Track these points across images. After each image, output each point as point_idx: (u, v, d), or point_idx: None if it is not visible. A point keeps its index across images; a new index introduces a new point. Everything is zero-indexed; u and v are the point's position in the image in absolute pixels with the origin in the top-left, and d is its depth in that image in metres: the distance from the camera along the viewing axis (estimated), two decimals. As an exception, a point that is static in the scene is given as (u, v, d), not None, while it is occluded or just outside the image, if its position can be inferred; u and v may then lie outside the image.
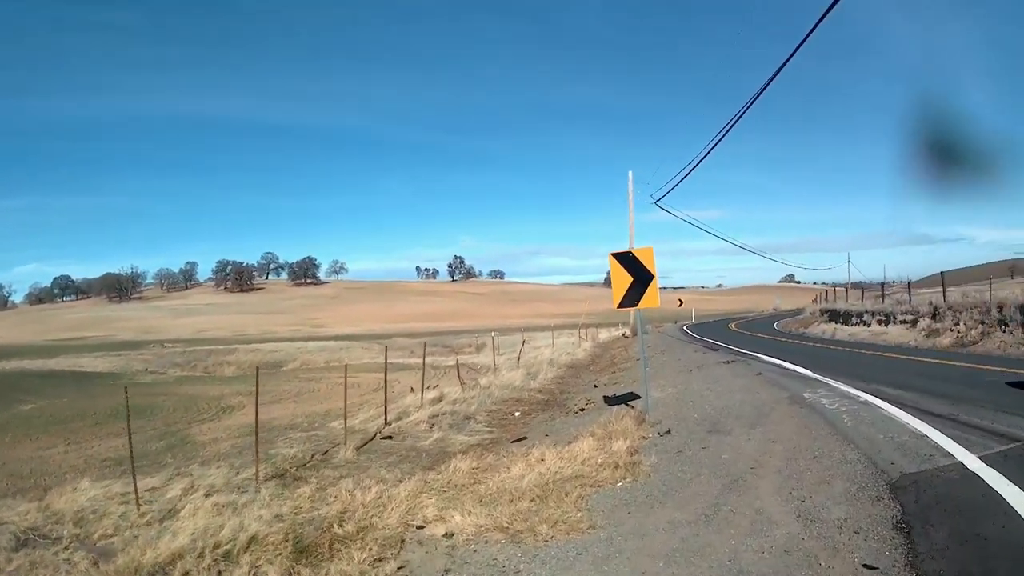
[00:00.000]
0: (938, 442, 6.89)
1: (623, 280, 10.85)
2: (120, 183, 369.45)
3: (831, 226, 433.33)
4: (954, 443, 6.78)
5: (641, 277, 10.76)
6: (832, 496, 5.72)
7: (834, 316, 39.57)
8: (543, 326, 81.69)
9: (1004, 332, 20.91)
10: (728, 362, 17.69)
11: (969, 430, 7.43)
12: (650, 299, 10.80)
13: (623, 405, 13.63)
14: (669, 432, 9.56)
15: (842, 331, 33.88)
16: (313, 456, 13.99)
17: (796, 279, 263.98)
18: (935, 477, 5.83)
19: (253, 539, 6.83)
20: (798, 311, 76.19)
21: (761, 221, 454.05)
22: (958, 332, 23.32)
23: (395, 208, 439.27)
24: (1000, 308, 22.01)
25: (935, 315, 26.21)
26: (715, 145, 20.83)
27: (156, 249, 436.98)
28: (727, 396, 11.70)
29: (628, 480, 7.47)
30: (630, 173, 41.92)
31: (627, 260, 10.86)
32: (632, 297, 10.83)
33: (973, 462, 6.07)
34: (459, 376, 21.94)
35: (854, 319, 35.11)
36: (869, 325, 32.30)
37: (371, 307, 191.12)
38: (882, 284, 41.57)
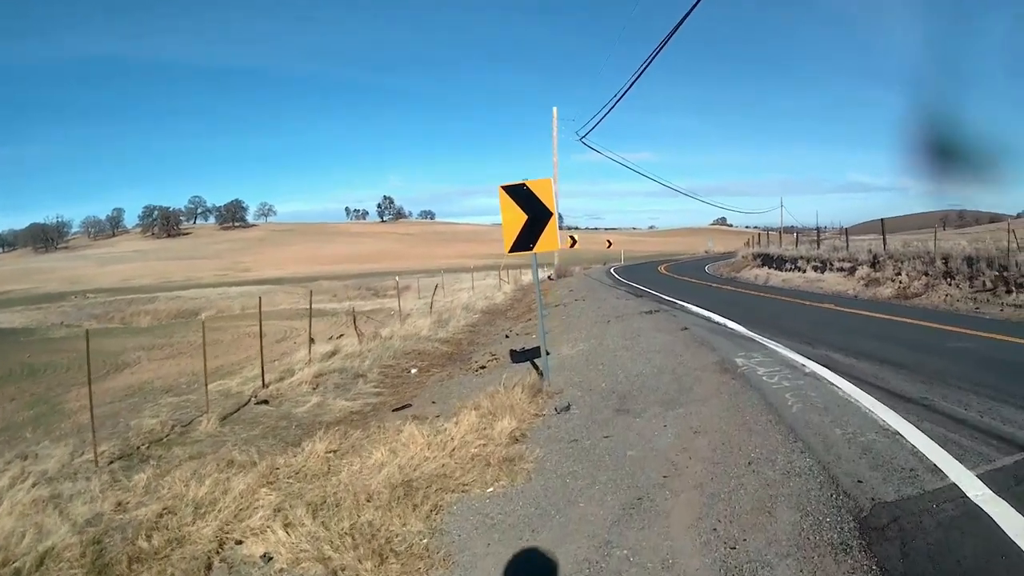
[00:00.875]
0: (917, 446, 5.00)
1: (516, 218, 8.72)
2: (41, 130, 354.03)
3: (764, 171, 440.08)
4: (939, 448, 4.92)
5: (537, 214, 8.69)
6: (775, 540, 3.78)
7: (767, 261, 38.27)
8: (471, 267, 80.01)
9: (950, 285, 19.61)
10: (651, 312, 15.82)
11: (953, 425, 5.56)
12: (548, 241, 8.75)
13: (528, 363, 11.95)
14: (568, 408, 7.62)
15: (775, 277, 32.40)
16: (172, 428, 12.16)
17: (728, 222, 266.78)
18: (925, 512, 3.89)
19: (49, 552, 5.70)
20: (730, 254, 75.16)
21: (694, 164, 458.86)
22: (900, 283, 21.97)
23: (324, 149, 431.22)
24: (946, 260, 20.60)
25: (875, 264, 24.87)
26: (636, 79, 21.51)
27: (82, 197, 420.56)
28: (645, 358, 9.73)
29: (502, 484, 5.53)
30: (554, 109, 40.43)
31: (521, 194, 8.71)
32: (526, 238, 8.73)
33: (973, 485, 4.19)
34: (356, 327, 19.75)
35: (788, 265, 33.69)
36: (804, 271, 30.80)
37: (299, 249, 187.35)
38: (817, 229, 40.46)
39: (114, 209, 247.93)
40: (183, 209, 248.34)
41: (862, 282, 24.07)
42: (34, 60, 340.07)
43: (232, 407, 13.44)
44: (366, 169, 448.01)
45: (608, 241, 70.73)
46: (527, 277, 47.70)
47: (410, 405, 11.26)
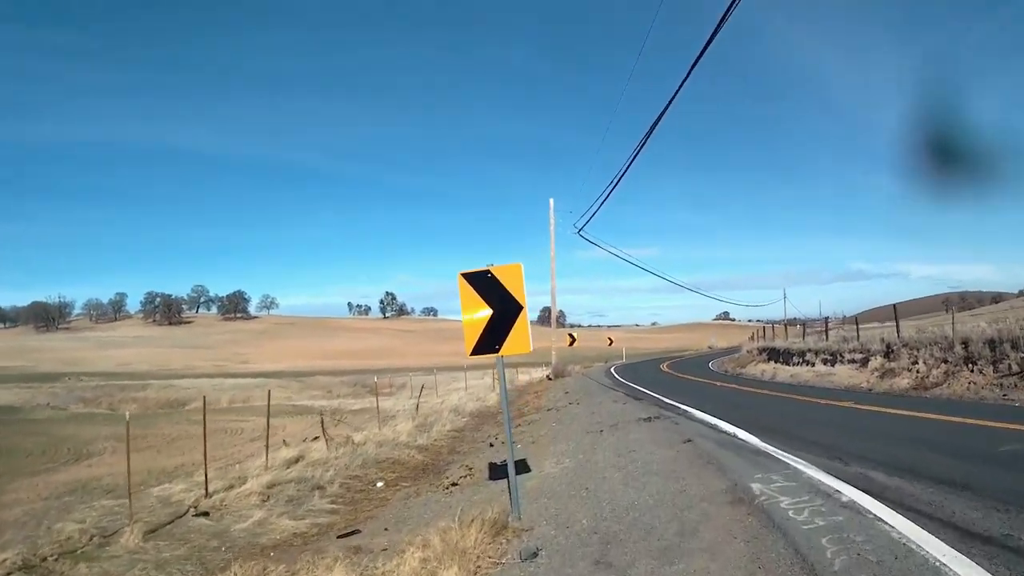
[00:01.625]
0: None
1: (478, 313, 7.13)
2: (49, 210, 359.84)
3: (766, 263, 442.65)
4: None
5: (505, 308, 7.08)
6: None
7: (773, 355, 36.52)
8: (472, 365, 78.75)
9: (972, 371, 18.01)
10: (650, 419, 14.01)
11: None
12: (518, 341, 7.10)
13: (506, 479, 10.16)
14: (535, 555, 5.82)
15: (783, 372, 30.87)
16: (91, 538, 10.76)
17: (731, 316, 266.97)
18: None
19: None
20: (734, 349, 73.92)
21: (697, 259, 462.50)
22: (917, 372, 20.37)
23: (329, 244, 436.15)
24: (965, 344, 19.04)
25: (888, 353, 23.22)
26: (625, 170, 20.98)
27: (86, 278, 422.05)
28: (639, 483, 7.91)
29: None
30: (551, 201, 39.41)
31: (484, 283, 7.13)
32: (491, 337, 7.08)
33: None
34: (324, 431, 17.96)
35: (795, 358, 32.05)
36: (813, 365, 29.18)
37: (299, 343, 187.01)
38: (825, 320, 38.60)
39: (117, 293, 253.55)
40: (185, 297, 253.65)
41: (876, 374, 22.57)
42: (51, 141, 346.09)
43: (167, 517, 11.87)
44: (370, 265, 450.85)
45: (609, 339, 69.16)
46: (525, 376, 46.16)
47: (359, 531, 9.53)
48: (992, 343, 18.16)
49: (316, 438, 21.98)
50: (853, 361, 25.47)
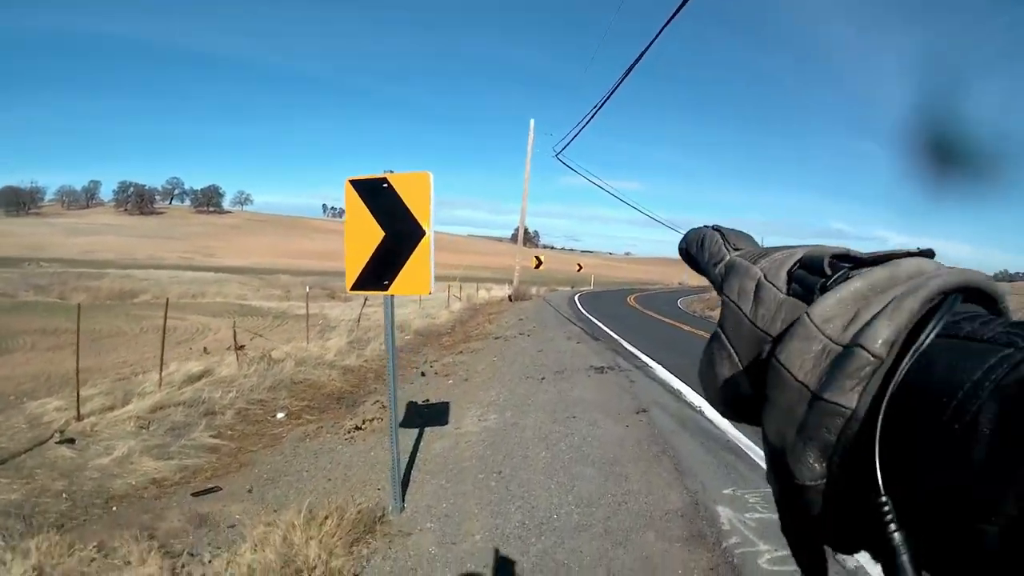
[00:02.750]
0: None
1: (366, 234, 5.04)
2: (25, 95, 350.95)
3: (746, 210, 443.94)
4: None
5: (402, 231, 4.93)
6: None
7: None
8: (440, 276, 76.72)
9: None
10: (603, 370, 12.22)
11: None
12: (415, 278, 5.00)
13: (418, 429, 8.58)
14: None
15: None
16: None
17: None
18: None
19: None
20: (706, 288, 72.31)
21: (677, 198, 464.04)
22: None
23: (307, 145, 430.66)
24: None
25: None
26: (611, 94, 20.66)
27: (60, 166, 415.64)
28: (567, 477, 5.93)
29: None
30: (531, 121, 36.73)
31: (376, 195, 5.00)
32: (380, 268, 5.00)
33: None
34: (236, 345, 15.93)
35: None
36: None
37: (269, 240, 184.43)
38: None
39: (90, 181, 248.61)
40: (160, 188, 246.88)
41: None
42: (32, 28, 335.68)
43: (27, 443, 9.69)
44: (348, 169, 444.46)
45: (579, 264, 67.26)
46: (486, 293, 44.25)
47: (219, 489, 7.58)
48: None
49: (241, 347, 20.19)
50: None
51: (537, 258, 42.17)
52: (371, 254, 5.01)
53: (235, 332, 15.49)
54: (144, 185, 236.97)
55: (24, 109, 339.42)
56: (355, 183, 5.07)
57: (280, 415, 11.31)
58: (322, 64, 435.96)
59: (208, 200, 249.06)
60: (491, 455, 6.93)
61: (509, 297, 37.41)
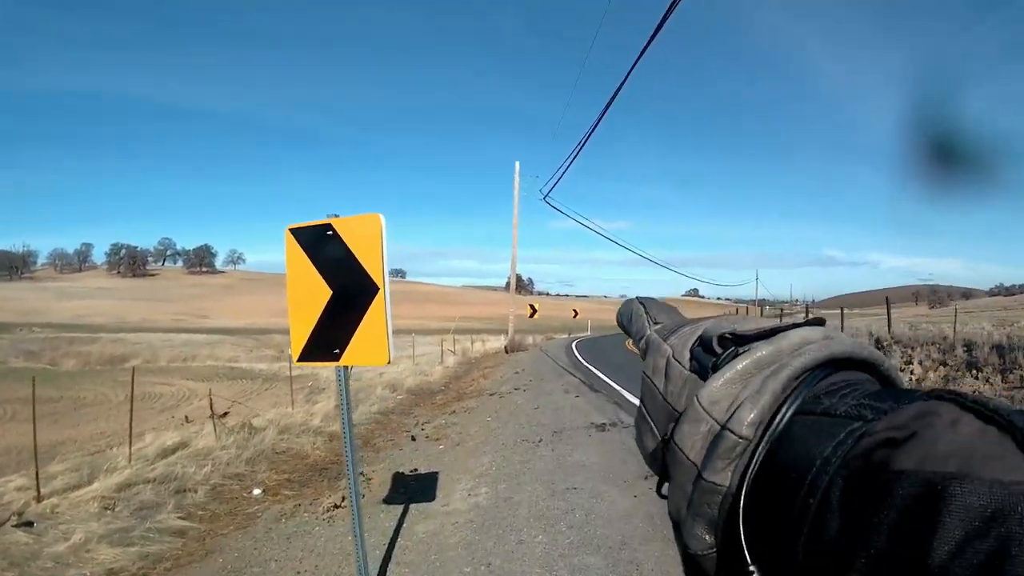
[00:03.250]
0: None
1: (311, 291, 4.22)
2: (16, 159, 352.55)
3: (738, 244, 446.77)
4: None
5: (350, 286, 4.10)
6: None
7: None
8: (434, 329, 76.10)
9: (976, 379, 15.77)
10: (604, 428, 11.29)
11: None
12: (369, 344, 4.08)
13: (402, 506, 7.74)
14: None
15: None
16: None
17: (701, 294, 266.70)
18: None
19: None
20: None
21: (669, 235, 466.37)
22: (912, 374, 17.83)
23: (298, 199, 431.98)
24: (968, 348, 17.23)
25: (877, 349, 20.48)
26: (592, 131, 20.12)
27: (52, 228, 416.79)
28: (576, 561, 5.08)
29: None
30: (517, 164, 36.28)
31: (319, 243, 4.21)
32: (329, 335, 4.17)
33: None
34: (213, 414, 14.92)
35: None
36: None
37: (262, 299, 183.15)
38: (806, 306, 36.00)
39: (83, 244, 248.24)
40: (152, 250, 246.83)
41: None
42: (21, 89, 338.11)
43: None
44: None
45: (574, 311, 66.34)
46: (480, 345, 43.34)
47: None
48: (1000, 349, 16.40)
49: (225, 413, 19.25)
50: None
51: (531, 306, 41.35)
52: (318, 317, 4.20)
53: (211, 400, 14.42)
54: (136, 247, 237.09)
55: (13, 171, 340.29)
56: (295, 231, 4.29)
57: (256, 491, 10.39)
58: (311, 116, 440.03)
59: (200, 260, 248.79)
60: (480, 541, 6.03)
61: (505, 349, 36.45)
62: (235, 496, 10.22)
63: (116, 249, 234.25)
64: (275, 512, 8.91)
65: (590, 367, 24.88)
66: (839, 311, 29.56)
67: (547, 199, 32.99)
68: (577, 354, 33.15)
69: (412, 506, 7.69)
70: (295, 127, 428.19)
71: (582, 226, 35.03)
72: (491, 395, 17.74)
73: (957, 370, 16.67)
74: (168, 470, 11.27)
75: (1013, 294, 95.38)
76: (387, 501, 8.22)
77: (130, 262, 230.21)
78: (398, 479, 9.26)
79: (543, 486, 7.70)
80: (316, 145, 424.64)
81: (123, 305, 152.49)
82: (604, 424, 11.36)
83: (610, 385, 18.26)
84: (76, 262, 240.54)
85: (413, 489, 8.52)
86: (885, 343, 20.49)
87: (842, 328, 24.87)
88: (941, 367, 17.43)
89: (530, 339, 45.93)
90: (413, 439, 13.02)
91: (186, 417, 18.11)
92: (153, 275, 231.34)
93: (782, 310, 48.93)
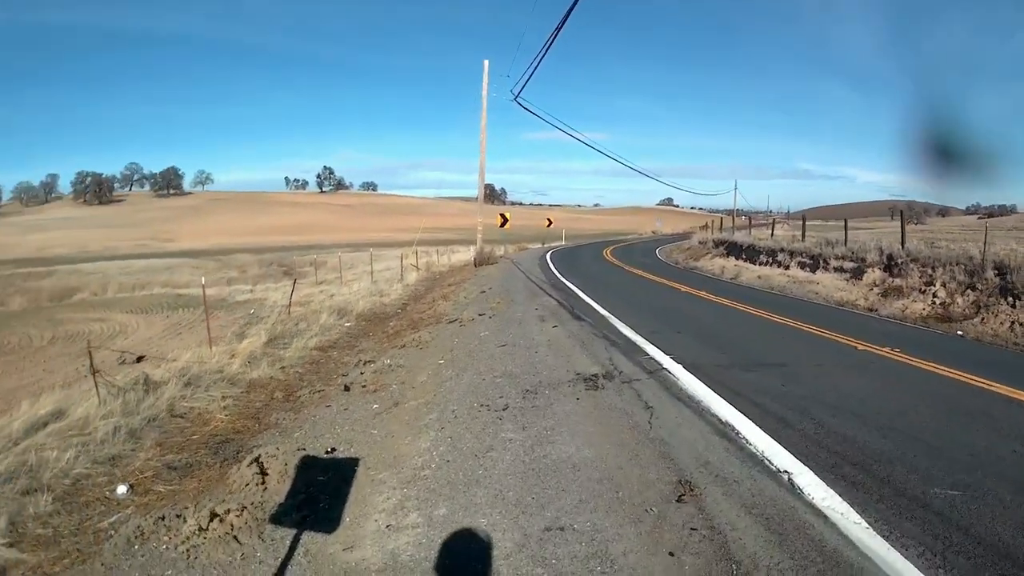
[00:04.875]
0: None
1: None
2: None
3: (714, 155, 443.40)
4: None
5: None
6: None
7: (733, 250, 31.78)
8: (403, 241, 72.79)
9: (1014, 307, 13.79)
10: (595, 383, 8.08)
11: None
12: None
13: (293, 531, 4.99)
14: None
15: (748, 272, 25.84)
16: None
17: (676, 203, 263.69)
18: None
19: None
20: (681, 236, 69.87)
21: (646, 146, 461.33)
22: (935, 296, 15.95)
23: (267, 119, 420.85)
24: (1000, 271, 14.88)
25: (890, 266, 18.74)
26: (559, 29, 19.26)
27: (17, 163, 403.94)
28: None
29: None
30: (486, 62, 32.37)
31: None
32: None
33: None
34: (93, 372, 11.58)
35: (763, 256, 27.24)
36: (786, 267, 24.49)
37: (230, 219, 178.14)
38: (803, 217, 32.92)
39: (48, 175, 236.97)
40: (118, 176, 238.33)
41: (876, 290, 18.28)
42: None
43: None
44: (311, 141, 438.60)
45: (548, 220, 63.21)
46: (448, 258, 40.37)
47: None
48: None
49: (140, 359, 16.31)
50: (841, 270, 21.25)
51: (502, 215, 38.18)
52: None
53: (91, 354, 11.16)
54: (102, 174, 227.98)
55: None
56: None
57: (121, 489, 7.35)
58: (274, 35, 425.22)
59: (168, 183, 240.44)
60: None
61: (474, 262, 33.28)
62: (93, 499, 7.20)
63: (82, 178, 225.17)
64: (132, 528, 5.84)
65: (568, 283, 21.78)
66: (818, 222, 27.19)
67: (518, 99, 29.53)
68: (553, 268, 30.02)
69: (305, 536, 4.79)
70: (259, 45, 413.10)
71: (556, 131, 31.88)
72: (450, 322, 14.79)
73: (990, 296, 14.44)
74: (22, 458, 8.22)
75: (994, 215, 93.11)
76: (276, 520, 5.26)
77: (96, 190, 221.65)
78: (305, 470, 6.29)
79: (504, 512, 4.67)
80: (281, 63, 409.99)
81: (87, 233, 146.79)
82: (596, 376, 8.30)
83: (596, 310, 15.01)
84: (42, 194, 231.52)
85: (318, 493, 5.62)
86: (899, 259, 18.21)
87: (845, 241, 22.64)
88: (969, 291, 15.24)
89: (501, 250, 42.68)
90: (347, 389, 10.11)
91: (94, 370, 15.17)
92: (120, 201, 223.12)
93: (750, 220, 46.82)
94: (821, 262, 22.49)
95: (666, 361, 9.09)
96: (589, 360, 9.28)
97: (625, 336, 11.23)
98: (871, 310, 16.30)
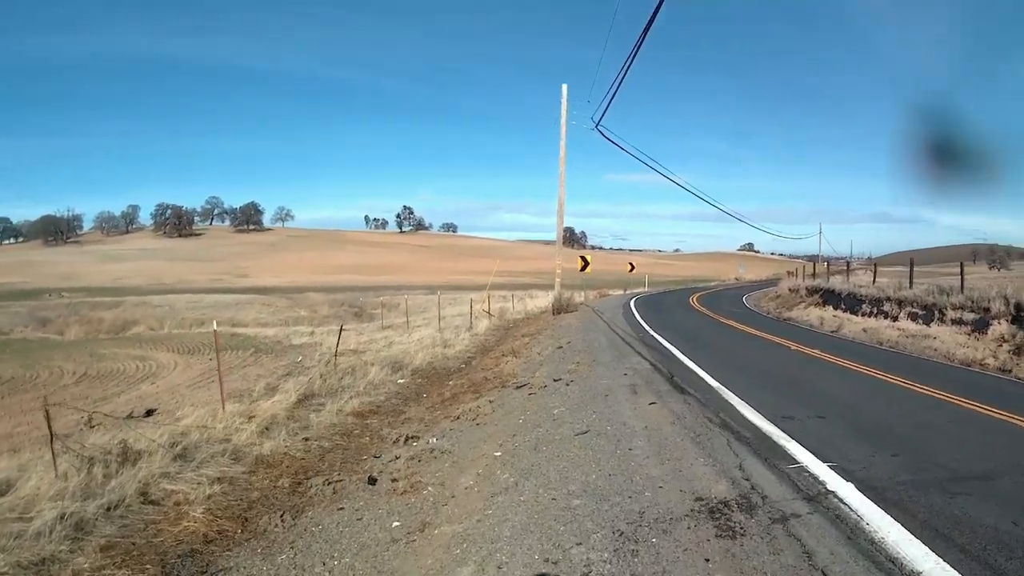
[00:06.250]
0: None
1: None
2: (62, 122, 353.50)
3: (794, 198, 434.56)
4: None
5: None
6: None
7: (830, 298, 28.61)
8: (480, 284, 70.91)
9: None
10: (728, 520, 5.00)
11: None
12: None
13: None
14: None
15: (851, 324, 22.80)
16: None
17: (756, 248, 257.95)
18: None
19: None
20: (766, 283, 66.06)
21: (724, 189, 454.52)
22: None
23: (349, 158, 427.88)
24: None
25: (1019, 318, 16.33)
26: (637, 48, 17.24)
27: (99, 192, 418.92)
28: None
29: None
30: (564, 87, 30.03)
31: None
32: None
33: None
34: (51, 433, 9.05)
35: (865, 306, 24.25)
36: (895, 319, 21.51)
37: (307, 256, 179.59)
38: (911, 261, 29.31)
39: (129, 205, 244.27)
40: (199, 209, 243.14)
41: (1005, 346, 15.67)
42: (61, 53, 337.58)
43: None
44: (393, 180, 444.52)
45: (630, 264, 60.43)
46: (524, 304, 37.98)
47: None
48: None
49: (150, 412, 14.00)
50: (960, 322, 18.48)
51: (583, 258, 35.54)
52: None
53: (48, 415, 8.68)
54: (182, 207, 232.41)
55: (58, 136, 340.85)
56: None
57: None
58: (360, 73, 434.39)
59: (247, 218, 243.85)
60: None
61: (552, 308, 30.43)
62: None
63: (162, 209, 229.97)
64: None
65: (660, 340, 18.43)
66: (899, 268, 24.82)
67: (599, 127, 27.08)
68: (639, 318, 26.86)
69: None
70: (342, 84, 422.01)
71: (636, 174, 29.40)
72: (518, 387, 12.06)
73: None
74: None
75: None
76: None
77: (176, 222, 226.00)
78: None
79: None
80: (363, 101, 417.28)
81: (163, 266, 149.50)
82: (727, 505, 5.29)
83: (700, 377, 11.85)
84: (123, 224, 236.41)
85: None
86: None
87: (961, 288, 19.80)
88: None
89: (580, 296, 39.99)
90: (371, 482, 7.49)
91: (89, 420, 12.97)
92: (199, 234, 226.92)
93: (828, 265, 44.55)
94: (936, 313, 19.78)
95: (825, 474, 6.05)
96: (710, 468, 6.28)
97: (750, 423, 8.16)
98: (1003, 370, 13.90)
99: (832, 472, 6.12)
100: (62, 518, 6.73)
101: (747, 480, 5.89)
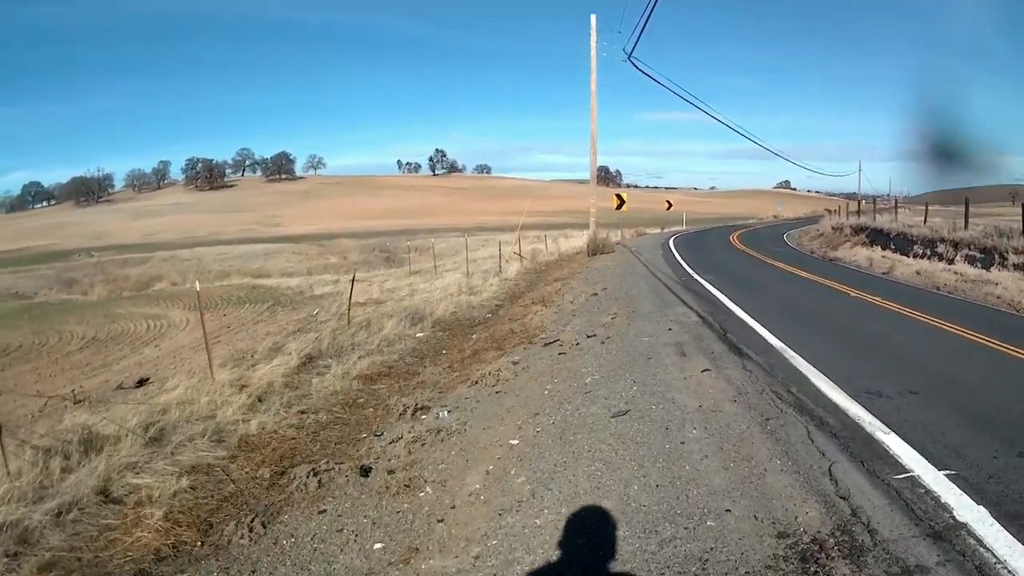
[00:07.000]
0: None
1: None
2: (89, 83, 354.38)
3: (827, 135, 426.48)
4: None
5: None
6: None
7: (878, 238, 27.33)
8: (514, 225, 69.25)
9: None
10: (803, 562, 3.49)
11: None
12: None
13: None
14: None
15: (902, 266, 21.10)
16: None
17: (792, 186, 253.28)
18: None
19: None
20: (806, 220, 65.18)
21: (758, 126, 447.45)
22: None
23: (379, 103, 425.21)
24: None
25: None
26: None
27: (130, 151, 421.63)
28: None
29: None
30: (592, 17, 28.22)
31: None
32: None
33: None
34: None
35: (917, 247, 22.80)
36: (951, 261, 19.97)
37: (340, 202, 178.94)
38: (966, 200, 27.29)
39: (160, 162, 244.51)
40: (230, 161, 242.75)
41: None
42: (82, 14, 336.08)
43: None
44: (424, 124, 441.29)
45: (668, 202, 58.50)
46: (558, 244, 36.66)
47: None
48: None
49: (141, 382, 12.87)
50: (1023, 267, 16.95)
51: (618, 196, 34.08)
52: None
53: None
54: (213, 160, 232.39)
55: (86, 98, 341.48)
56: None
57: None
58: (386, 18, 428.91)
59: (279, 168, 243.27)
60: None
61: (587, 250, 28.88)
62: None
63: (193, 163, 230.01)
64: None
65: (706, 284, 16.71)
66: (937, 207, 23.29)
67: (631, 59, 25.45)
68: (680, 259, 25.20)
69: None
70: (368, 29, 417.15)
71: (670, 112, 27.37)
72: (546, 344, 10.66)
73: None
74: None
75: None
76: None
77: (207, 175, 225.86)
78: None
79: None
80: (391, 46, 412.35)
81: (195, 219, 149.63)
82: (824, 547, 3.73)
83: (759, 334, 10.18)
84: (154, 181, 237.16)
85: None
86: None
87: (1023, 232, 18.63)
88: None
89: (616, 235, 38.31)
90: (364, 473, 6.19)
91: (74, 394, 11.89)
92: (232, 186, 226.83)
93: (874, 202, 42.98)
94: (994, 255, 18.42)
95: (947, 491, 4.39)
96: (791, 476, 4.73)
97: (830, 401, 6.54)
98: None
99: (954, 487, 4.46)
100: (3, 529, 5.54)
101: (844, 499, 4.30)
